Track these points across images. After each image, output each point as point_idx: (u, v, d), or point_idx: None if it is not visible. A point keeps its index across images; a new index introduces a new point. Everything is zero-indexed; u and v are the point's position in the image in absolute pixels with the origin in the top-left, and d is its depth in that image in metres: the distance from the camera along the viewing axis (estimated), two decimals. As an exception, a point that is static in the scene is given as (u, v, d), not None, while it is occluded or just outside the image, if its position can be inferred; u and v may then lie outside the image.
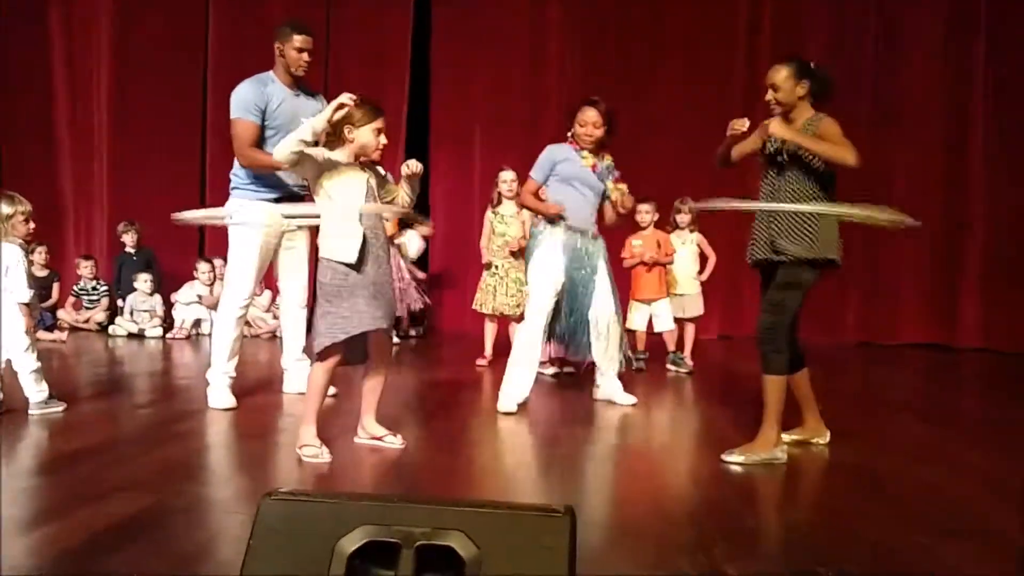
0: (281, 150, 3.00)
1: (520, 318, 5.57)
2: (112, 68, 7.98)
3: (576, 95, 6.79)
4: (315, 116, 3.94)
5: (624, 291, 5.76)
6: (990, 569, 2.22)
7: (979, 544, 2.38)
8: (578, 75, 7.72)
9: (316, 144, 3.05)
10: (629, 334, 5.02)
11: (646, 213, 5.54)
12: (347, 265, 3.04)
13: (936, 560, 2.22)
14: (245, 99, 3.93)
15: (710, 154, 3.51)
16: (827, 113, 3.21)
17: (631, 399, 4.28)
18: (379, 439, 3.28)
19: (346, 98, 3.01)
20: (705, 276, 5.82)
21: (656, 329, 5.58)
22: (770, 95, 3.23)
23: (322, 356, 3.10)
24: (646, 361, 5.49)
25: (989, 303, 7.32)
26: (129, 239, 7.42)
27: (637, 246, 5.56)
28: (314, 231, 3.66)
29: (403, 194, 3.27)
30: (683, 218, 5.74)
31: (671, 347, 5.59)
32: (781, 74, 3.20)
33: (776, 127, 3.10)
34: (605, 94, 4.33)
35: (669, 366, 5.54)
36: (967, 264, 7.39)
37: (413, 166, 3.19)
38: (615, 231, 4.62)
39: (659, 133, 7.61)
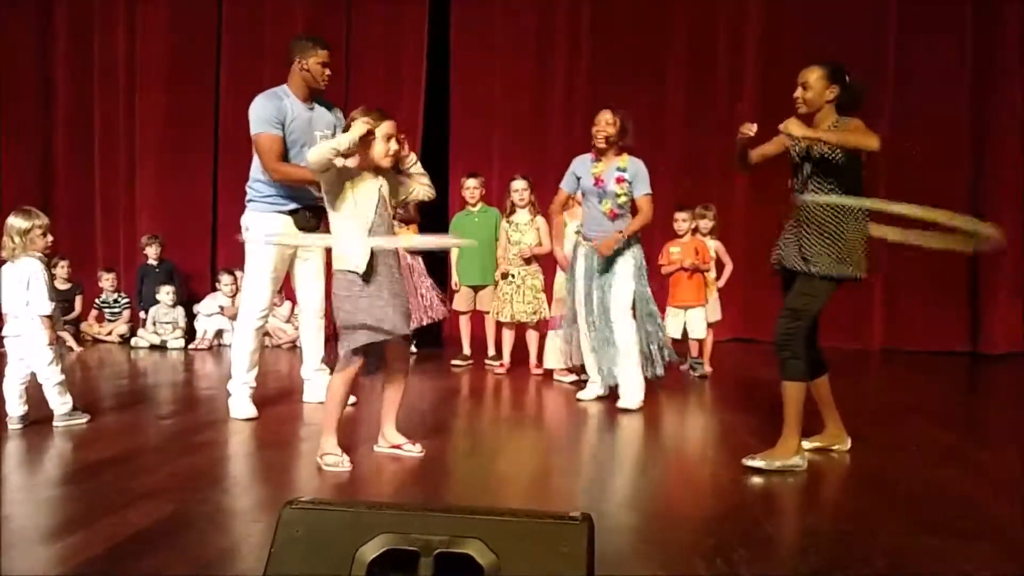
0: (316, 157, 2.97)
1: (537, 325, 5.59)
2: (133, 80, 8.10)
3: (592, 102, 6.77)
4: (330, 126, 4.04)
5: (660, 298, 5.76)
6: (1006, 573, 2.20)
7: (996, 549, 2.36)
8: (594, 83, 7.67)
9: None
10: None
11: (683, 221, 5.57)
12: (358, 275, 3.07)
13: (952, 565, 2.21)
14: (264, 113, 3.92)
15: (722, 158, 3.50)
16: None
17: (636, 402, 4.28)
18: (398, 447, 3.30)
19: (367, 124, 3.02)
20: (722, 283, 5.82)
21: (692, 336, 5.60)
22: (798, 92, 3.20)
23: (342, 365, 3.13)
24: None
25: (1020, 307, 7.15)
26: (152, 252, 7.50)
27: (675, 253, 5.58)
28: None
29: (418, 188, 3.30)
30: (705, 224, 5.73)
31: (694, 352, 5.60)
32: (814, 74, 3.17)
33: (792, 126, 3.06)
34: (621, 102, 4.37)
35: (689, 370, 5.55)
36: (997, 266, 7.18)
37: (402, 156, 3.18)
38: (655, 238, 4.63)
39: (672, 138, 7.56)
